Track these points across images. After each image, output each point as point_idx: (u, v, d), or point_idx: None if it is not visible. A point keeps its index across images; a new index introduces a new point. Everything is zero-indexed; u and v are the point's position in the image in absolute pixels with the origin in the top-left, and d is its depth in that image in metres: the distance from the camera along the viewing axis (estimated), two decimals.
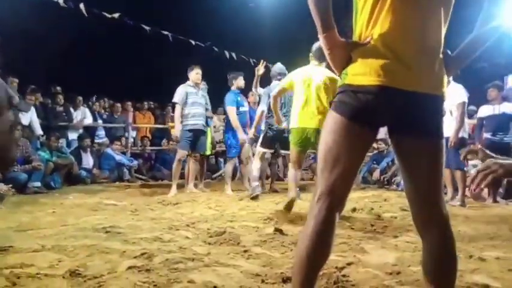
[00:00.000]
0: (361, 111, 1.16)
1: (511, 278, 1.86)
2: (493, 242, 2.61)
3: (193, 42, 7.62)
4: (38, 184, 5.16)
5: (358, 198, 4.67)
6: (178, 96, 5.14)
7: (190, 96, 5.17)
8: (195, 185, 5.53)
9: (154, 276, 1.83)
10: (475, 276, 1.87)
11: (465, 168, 5.66)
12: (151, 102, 9.05)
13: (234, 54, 8.91)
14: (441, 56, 1.20)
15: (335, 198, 1.19)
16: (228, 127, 5.41)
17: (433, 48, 1.18)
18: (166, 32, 7.56)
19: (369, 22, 1.18)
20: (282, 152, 5.11)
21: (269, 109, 4.51)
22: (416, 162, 1.19)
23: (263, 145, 4.79)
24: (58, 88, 7.29)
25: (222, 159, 8.03)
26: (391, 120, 1.19)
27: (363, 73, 1.16)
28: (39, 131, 6.10)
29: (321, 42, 1.22)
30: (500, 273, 1.85)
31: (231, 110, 5.25)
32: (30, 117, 5.92)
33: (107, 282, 1.76)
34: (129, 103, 8.16)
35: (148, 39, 7.68)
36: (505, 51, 9.02)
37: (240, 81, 5.38)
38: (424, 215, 1.21)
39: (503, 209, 4.34)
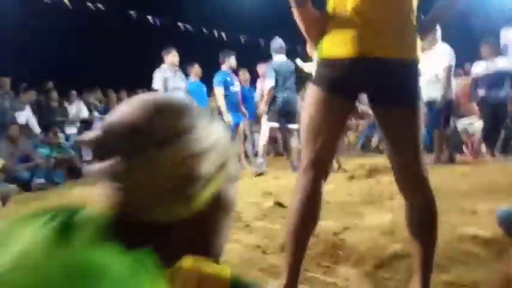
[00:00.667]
0: (339, 83, 1.19)
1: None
2: (487, 195, 2.67)
3: (181, 26, 7.53)
4: (42, 180, 5.24)
5: (356, 166, 4.73)
6: (157, 81, 4.95)
7: (170, 81, 4.97)
8: None
9: None
10: (466, 228, 1.94)
11: (461, 127, 5.71)
12: (146, 89, 9.03)
13: (223, 34, 8.84)
14: (414, 21, 1.21)
15: (320, 169, 1.25)
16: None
17: (405, 13, 1.19)
18: (151, 18, 7.47)
19: None
20: (289, 126, 4.94)
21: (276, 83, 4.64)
22: (394, 128, 1.24)
23: (269, 119, 4.81)
24: (50, 84, 7.27)
25: None
26: (368, 89, 1.23)
27: (337, 44, 1.18)
28: (37, 128, 6.14)
29: (295, 16, 1.23)
30: (489, 224, 1.92)
31: (217, 91, 5.15)
32: (26, 115, 5.95)
33: None
34: (124, 92, 8.14)
35: (136, 26, 7.60)
36: (496, 3, 8.88)
37: (231, 61, 5.27)
38: (404, 178, 1.26)
39: (500, 163, 4.40)
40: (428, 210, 1.24)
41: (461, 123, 5.66)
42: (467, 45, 6.01)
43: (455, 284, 1.41)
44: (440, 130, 4.63)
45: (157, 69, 5.07)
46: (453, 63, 4.48)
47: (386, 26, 1.16)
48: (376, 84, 1.19)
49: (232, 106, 5.25)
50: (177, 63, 5.14)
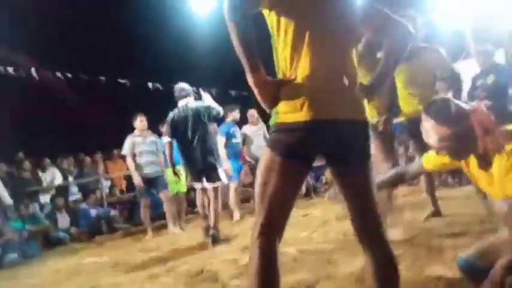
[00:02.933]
0: (295, 148, 1.22)
1: None
2: (452, 228, 2.76)
3: (150, 86, 7.73)
4: (15, 256, 5.04)
5: (332, 208, 4.79)
6: (125, 148, 5.23)
7: (137, 146, 5.21)
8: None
9: None
10: (433, 268, 2.00)
11: None
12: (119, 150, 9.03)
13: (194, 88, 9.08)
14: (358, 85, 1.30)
15: (275, 231, 1.24)
16: (227, 155, 5.51)
17: (352, 78, 1.28)
18: (122, 80, 7.65)
19: (291, 59, 1.25)
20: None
21: None
22: (351, 186, 1.29)
23: (191, 180, 4.95)
24: (21, 154, 7.19)
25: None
26: (325, 150, 1.26)
27: (291, 110, 1.22)
28: (8, 200, 5.97)
29: (249, 82, 1.26)
30: (454, 262, 1.98)
31: (219, 140, 5.41)
32: None
33: None
34: (99, 154, 8.12)
35: (105, 89, 7.74)
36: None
37: (235, 114, 5.67)
38: (364, 233, 1.29)
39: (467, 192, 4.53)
40: (391, 265, 1.28)
41: None
42: None
43: None
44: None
45: (129, 135, 5.28)
46: None
47: (338, 90, 1.24)
48: (331, 145, 1.23)
49: (234, 154, 5.62)
50: (145, 127, 5.33)
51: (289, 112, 1.23)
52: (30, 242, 5.49)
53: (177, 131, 4.07)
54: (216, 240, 3.82)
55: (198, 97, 4.70)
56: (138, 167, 5.19)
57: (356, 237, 1.32)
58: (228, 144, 5.52)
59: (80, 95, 8.52)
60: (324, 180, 7.61)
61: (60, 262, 4.62)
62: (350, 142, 1.25)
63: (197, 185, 4.29)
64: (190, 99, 4.18)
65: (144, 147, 5.23)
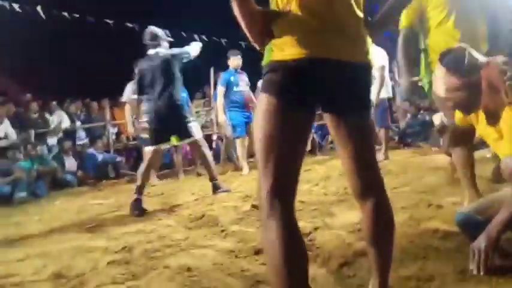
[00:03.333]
0: (294, 88, 1.06)
1: None
2: (454, 188, 2.75)
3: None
4: (24, 194, 5.21)
5: (335, 165, 4.80)
6: (125, 94, 5.04)
7: None
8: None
9: (133, 267, 1.95)
10: (430, 222, 2.02)
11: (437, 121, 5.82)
12: None
13: (204, 37, 8.84)
14: (363, 24, 1.18)
15: (287, 192, 1.06)
16: (228, 107, 5.33)
17: (358, 16, 1.15)
18: (131, 24, 7.44)
19: None
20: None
21: None
22: (349, 135, 1.16)
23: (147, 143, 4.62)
24: (28, 95, 7.21)
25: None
26: (325, 94, 1.11)
27: (289, 45, 1.06)
28: (16, 140, 6.08)
29: (234, 11, 1.09)
30: (451, 217, 1.99)
31: (218, 90, 5.29)
32: (4, 129, 5.90)
33: (88, 279, 1.87)
34: (106, 100, 8.11)
35: (114, 33, 7.56)
36: None
37: (233, 61, 5.27)
38: (361, 185, 1.19)
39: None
40: (389, 211, 1.22)
41: (437, 117, 5.78)
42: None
43: (412, 278, 1.47)
44: (386, 127, 5.03)
45: (129, 82, 5.07)
46: (386, 64, 4.93)
47: (341, 27, 1.09)
48: (330, 87, 1.09)
49: (237, 106, 5.26)
50: None
51: (286, 48, 1.06)
52: (38, 182, 5.65)
53: (145, 86, 3.57)
54: (216, 188, 3.74)
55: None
56: (140, 114, 5.08)
57: (354, 189, 1.21)
58: (228, 94, 5.22)
59: (88, 38, 8.35)
60: (329, 139, 7.59)
61: (67, 202, 4.78)
62: (354, 88, 1.13)
63: (164, 146, 3.87)
64: (162, 48, 3.62)
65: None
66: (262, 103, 1.10)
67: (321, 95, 1.11)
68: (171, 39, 3.86)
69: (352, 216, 2.35)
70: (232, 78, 5.25)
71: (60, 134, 6.99)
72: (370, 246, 1.22)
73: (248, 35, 1.12)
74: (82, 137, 7.37)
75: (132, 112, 5.05)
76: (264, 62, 1.13)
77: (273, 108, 1.07)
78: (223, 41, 9.42)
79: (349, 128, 1.16)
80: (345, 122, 1.16)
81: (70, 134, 7.18)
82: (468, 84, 1.39)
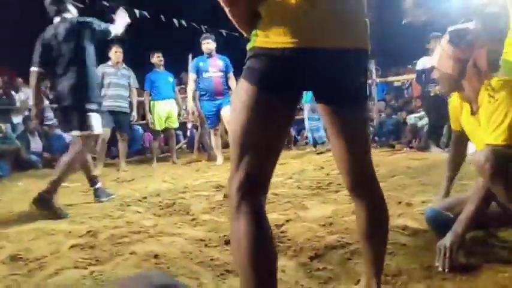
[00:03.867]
0: (277, 78, 0.99)
1: None
2: (424, 187, 2.83)
3: (137, 13, 7.29)
4: None
5: (310, 159, 4.84)
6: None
7: (107, 76, 4.94)
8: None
9: (97, 252, 1.87)
10: (399, 219, 2.05)
11: (410, 122, 5.97)
12: None
13: (183, 22, 8.66)
14: (364, 9, 1.08)
15: (259, 187, 1.00)
16: (199, 96, 5.19)
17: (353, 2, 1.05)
18: (107, 3, 7.17)
19: None
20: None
21: None
22: (343, 125, 1.10)
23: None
24: None
25: (180, 132, 7.97)
26: (313, 85, 1.05)
27: (275, 33, 0.98)
28: None
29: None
30: (420, 215, 2.03)
31: (189, 77, 5.11)
32: None
33: (48, 262, 1.78)
34: None
35: (91, 11, 7.24)
36: (449, 6, 9.29)
37: (204, 45, 5.03)
38: (354, 178, 1.14)
39: (443, 157, 4.65)
40: (383, 207, 1.18)
41: (411, 118, 5.92)
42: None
43: None
44: None
45: (101, 65, 4.95)
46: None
47: (334, 8, 1.00)
48: (323, 79, 1.03)
49: (207, 93, 5.04)
50: (119, 59, 5.04)
51: (271, 35, 0.98)
52: (0, 161, 5.37)
53: (48, 58, 2.95)
54: (39, 203, 2.77)
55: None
56: (103, 98, 4.83)
57: (346, 183, 1.15)
58: (199, 81, 5.03)
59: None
60: (304, 134, 7.63)
61: (30, 184, 4.56)
62: (346, 77, 1.05)
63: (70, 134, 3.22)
64: (68, 14, 3.02)
65: (114, 79, 4.99)
66: (240, 90, 1.03)
67: (309, 84, 1.05)
68: (81, 5, 3.29)
69: (324, 209, 2.36)
70: (201, 64, 5.02)
71: (26, 113, 6.66)
72: (363, 242, 1.19)
73: (234, 20, 1.05)
74: (50, 117, 7.06)
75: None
76: (248, 47, 1.05)
77: (250, 98, 0.99)
78: (203, 27, 9.25)
79: (342, 118, 1.09)
80: (338, 112, 1.09)
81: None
82: (458, 58, 1.48)
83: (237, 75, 5.01)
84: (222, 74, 5.01)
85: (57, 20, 3.01)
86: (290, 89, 1.02)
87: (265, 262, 0.97)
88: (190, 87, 5.08)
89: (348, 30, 1.02)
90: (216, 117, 5.05)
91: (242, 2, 1.02)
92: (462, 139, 1.93)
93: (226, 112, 4.87)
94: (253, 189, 0.98)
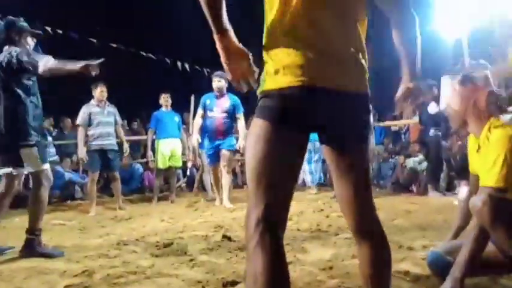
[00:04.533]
0: (287, 112, 1.04)
1: None
2: (424, 232, 2.80)
3: (143, 54, 7.55)
4: None
5: (309, 200, 4.81)
6: (80, 118, 4.92)
7: (95, 116, 4.95)
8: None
9: None
10: (401, 264, 2.02)
11: (409, 166, 5.99)
12: None
13: (187, 66, 8.93)
14: (365, 55, 1.15)
15: (277, 220, 1.01)
16: (202, 133, 5.05)
17: (357, 42, 1.13)
18: (115, 45, 7.45)
19: (280, 20, 1.08)
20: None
21: None
22: (346, 168, 1.13)
23: None
24: None
25: (180, 171, 7.96)
26: (320, 124, 1.10)
27: (282, 74, 1.05)
28: None
29: (217, 46, 1.08)
30: (422, 260, 2.01)
31: (198, 113, 5.02)
32: None
33: None
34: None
35: (95, 52, 7.51)
36: (442, 54, 9.65)
37: (214, 83, 4.87)
38: (358, 223, 1.16)
39: (442, 201, 4.64)
40: (388, 249, 1.18)
41: (410, 162, 5.95)
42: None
43: None
44: None
45: (85, 105, 5.01)
46: None
47: (337, 54, 1.08)
48: (328, 117, 1.08)
49: (207, 132, 4.89)
50: (104, 98, 5.05)
51: (281, 76, 1.05)
52: None
53: None
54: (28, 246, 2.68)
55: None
56: (92, 137, 4.89)
57: (351, 225, 1.17)
58: (204, 119, 4.90)
59: (69, 54, 8.25)
60: (301, 177, 7.62)
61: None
62: (350, 119, 1.11)
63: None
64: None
65: (102, 118, 5.00)
66: (254, 127, 1.08)
67: (315, 124, 1.10)
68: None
69: (324, 253, 2.33)
70: (208, 102, 4.92)
71: None
72: (367, 285, 1.17)
73: (229, 73, 1.10)
74: (52, 154, 7.09)
75: (81, 136, 4.90)
76: (258, 92, 1.12)
77: (265, 133, 1.04)
78: (205, 70, 9.55)
79: (345, 160, 1.13)
80: (341, 154, 1.13)
81: None
82: (464, 96, 1.64)
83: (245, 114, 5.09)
84: (225, 115, 4.85)
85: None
86: (300, 124, 1.06)
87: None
88: (197, 122, 5.00)
89: (352, 74, 1.10)
90: (215, 156, 4.92)
91: (239, 55, 1.08)
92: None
93: (224, 155, 4.79)
94: (272, 224, 0.99)
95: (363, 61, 1.14)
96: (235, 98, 4.96)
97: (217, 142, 4.86)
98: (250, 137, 1.08)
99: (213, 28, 1.05)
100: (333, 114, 1.08)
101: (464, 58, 5.08)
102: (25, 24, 2.86)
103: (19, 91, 2.69)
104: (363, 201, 1.15)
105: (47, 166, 2.86)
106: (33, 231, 2.76)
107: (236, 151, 5.13)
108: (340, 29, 1.10)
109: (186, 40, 9.51)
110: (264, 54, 1.12)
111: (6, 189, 2.82)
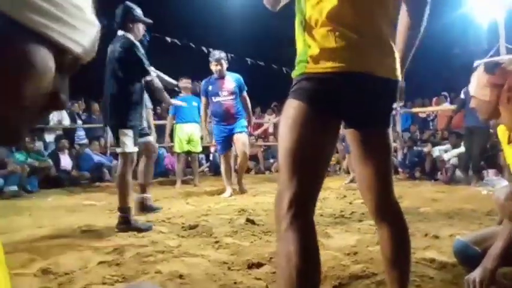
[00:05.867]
0: (325, 96, 1.05)
1: None
2: (451, 221, 2.76)
3: (169, 40, 7.60)
4: (15, 188, 5.14)
5: (332, 188, 4.80)
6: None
7: None
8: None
9: (124, 269, 1.91)
10: (426, 252, 2.01)
11: (436, 154, 5.86)
12: None
13: (211, 50, 8.95)
14: (395, 43, 1.16)
15: (309, 202, 1.02)
16: (212, 120, 4.91)
17: (392, 30, 1.14)
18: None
19: (320, 2, 1.07)
20: None
21: None
22: (372, 151, 1.16)
23: None
24: None
25: (202, 156, 8.08)
26: (352, 107, 1.10)
27: (325, 57, 1.05)
28: None
29: None
30: (448, 248, 1.98)
31: (201, 101, 4.81)
32: None
33: (77, 277, 1.83)
34: None
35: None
36: (474, 39, 9.28)
37: (212, 67, 4.55)
38: (378, 205, 1.18)
39: (470, 191, 4.53)
40: (407, 236, 1.21)
41: (436, 151, 5.83)
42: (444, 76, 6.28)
43: None
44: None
45: None
46: None
47: (378, 41, 1.10)
48: (360, 102, 1.09)
49: (218, 118, 4.61)
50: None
51: (321, 60, 1.05)
52: (31, 177, 5.59)
53: None
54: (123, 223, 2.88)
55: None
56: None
57: (371, 209, 1.19)
58: (210, 106, 4.62)
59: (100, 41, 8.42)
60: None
61: (59, 200, 4.72)
62: (380, 104, 1.13)
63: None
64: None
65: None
66: (290, 109, 1.07)
67: (350, 107, 1.09)
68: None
69: (348, 238, 2.34)
70: (210, 87, 4.56)
71: (59, 132, 6.96)
72: (387, 268, 1.20)
73: None
74: (81, 137, 7.34)
75: None
76: (295, 74, 1.11)
77: (300, 113, 1.04)
78: (229, 55, 9.54)
79: (372, 144, 1.16)
80: (368, 137, 1.16)
81: (70, 133, 7.15)
82: (493, 84, 1.50)
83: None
84: (233, 96, 4.54)
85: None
86: (337, 108, 1.07)
87: (313, 280, 0.99)
88: (203, 112, 4.76)
89: (388, 62, 1.12)
90: (227, 143, 4.65)
91: None
92: None
93: (239, 139, 4.53)
94: (305, 207, 1.00)
95: (394, 47, 1.15)
96: (237, 76, 4.65)
97: (229, 127, 4.57)
98: (285, 119, 1.07)
99: None
100: (366, 99, 1.09)
101: (500, 43, 4.86)
102: (140, 12, 3.03)
103: (126, 81, 2.88)
104: (384, 185, 1.17)
105: (136, 149, 3.02)
106: (124, 209, 2.93)
107: (250, 134, 4.95)
108: (378, 15, 1.10)
109: (210, 25, 9.50)
110: (299, 36, 1.12)
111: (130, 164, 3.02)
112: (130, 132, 2.91)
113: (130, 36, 2.94)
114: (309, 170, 1.03)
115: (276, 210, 1.02)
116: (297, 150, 1.02)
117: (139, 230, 2.79)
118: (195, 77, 6.07)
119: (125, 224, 2.85)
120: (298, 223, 0.97)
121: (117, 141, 2.94)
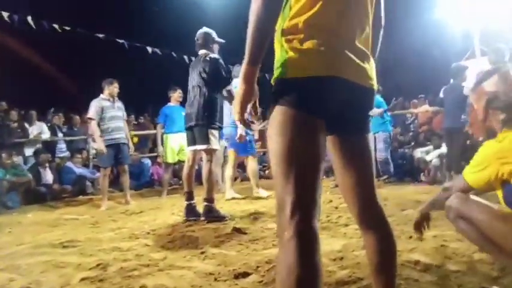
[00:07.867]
0: (312, 100, 1.04)
1: (441, 252, 2.04)
2: (435, 221, 2.77)
3: (149, 50, 7.57)
4: None
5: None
6: (93, 112, 4.94)
7: (106, 110, 5.00)
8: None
9: (107, 285, 1.87)
10: (411, 254, 2.03)
11: (418, 156, 5.96)
12: None
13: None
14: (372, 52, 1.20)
15: (311, 205, 0.98)
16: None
17: (368, 41, 1.17)
18: (121, 40, 7.47)
19: (308, 8, 1.07)
20: None
21: None
22: (353, 158, 1.17)
23: None
24: (3, 104, 7.05)
25: None
26: (338, 113, 1.10)
27: (310, 62, 1.05)
28: None
29: (241, 72, 1.07)
30: (432, 250, 2.01)
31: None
32: None
33: None
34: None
35: (103, 48, 7.56)
36: (451, 41, 9.52)
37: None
38: (362, 211, 1.18)
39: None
40: (392, 241, 1.20)
41: (418, 152, 5.92)
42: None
43: None
44: None
45: (94, 99, 5.05)
46: None
47: (358, 49, 1.11)
48: (343, 108, 1.09)
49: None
50: (116, 94, 5.15)
51: (306, 66, 1.04)
52: (11, 193, 5.43)
53: None
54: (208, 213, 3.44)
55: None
56: (106, 132, 4.96)
57: (356, 216, 1.19)
58: None
59: (77, 50, 8.34)
60: None
61: (40, 215, 4.60)
62: (360, 111, 1.16)
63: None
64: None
65: (113, 112, 5.07)
66: (280, 115, 1.05)
67: (331, 112, 1.09)
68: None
69: (334, 244, 2.34)
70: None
71: (39, 145, 6.81)
72: (374, 272, 1.20)
73: (240, 96, 1.08)
74: (63, 150, 7.20)
75: (95, 129, 5.00)
76: (279, 76, 1.08)
77: (290, 119, 1.03)
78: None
79: (352, 150, 1.17)
80: (349, 144, 1.18)
81: (50, 146, 7.00)
82: (476, 102, 1.61)
83: None
84: None
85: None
86: (324, 111, 1.06)
87: (319, 276, 0.94)
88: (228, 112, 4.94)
89: (367, 71, 1.14)
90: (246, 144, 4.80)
91: (253, 88, 1.09)
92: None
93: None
94: (308, 211, 0.97)
95: (371, 57, 1.18)
96: None
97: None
98: (277, 126, 1.04)
99: (250, 57, 1.04)
100: (348, 105, 1.11)
101: (475, 45, 4.98)
102: (215, 34, 3.73)
103: (213, 90, 3.53)
104: (368, 190, 1.18)
105: (219, 147, 3.68)
106: (210, 200, 3.50)
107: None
108: (361, 23, 1.13)
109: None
110: (283, 40, 1.10)
111: (192, 162, 3.65)
112: (216, 133, 3.54)
113: (214, 55, 3.60)
114: (309, 177, 1.00)
115: (279, 218, 0.98)
116: (292, 155, 1.01)
117: (223, 218, 3.37)
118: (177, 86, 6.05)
119: (211, 212, 3.42)
120: (303, 232, 0.93)
121: (201, 140, 3.48)
